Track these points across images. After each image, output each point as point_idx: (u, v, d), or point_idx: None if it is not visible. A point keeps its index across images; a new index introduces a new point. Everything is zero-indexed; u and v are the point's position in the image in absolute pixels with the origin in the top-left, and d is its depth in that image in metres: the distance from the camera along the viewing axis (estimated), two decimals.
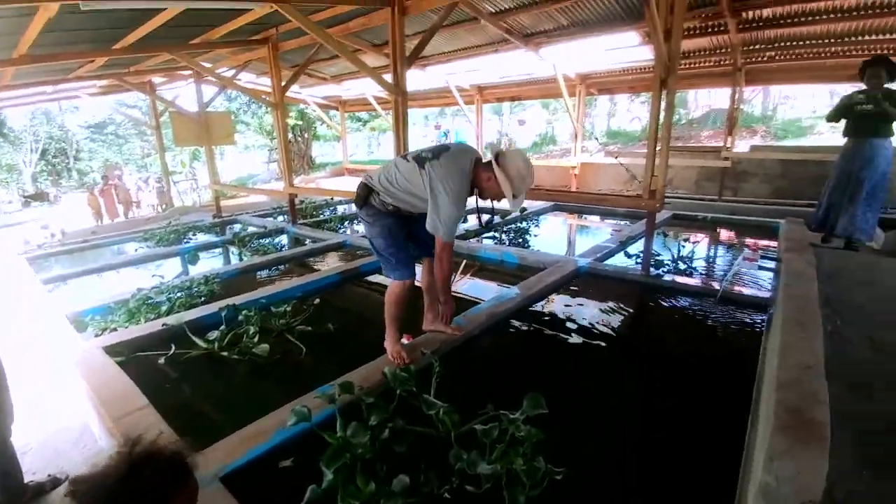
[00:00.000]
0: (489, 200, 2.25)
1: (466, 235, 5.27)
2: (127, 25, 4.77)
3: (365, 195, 2.32)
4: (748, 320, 3.01)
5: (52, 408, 2.53)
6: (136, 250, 5.85)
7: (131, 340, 2.78)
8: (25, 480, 1.89)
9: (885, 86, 3.62)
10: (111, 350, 2.62)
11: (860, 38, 5.49)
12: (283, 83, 6.04)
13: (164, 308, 3.35)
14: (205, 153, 8.23)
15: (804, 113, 15.08)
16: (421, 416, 1.91)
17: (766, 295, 3.24)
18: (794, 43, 6.04)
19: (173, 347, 2.71)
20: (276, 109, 6.20)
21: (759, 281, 3.66)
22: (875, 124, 3.64)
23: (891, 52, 5.20)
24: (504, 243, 5.24)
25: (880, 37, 5.36)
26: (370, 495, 1.49)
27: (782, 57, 6.54)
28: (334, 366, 2.35)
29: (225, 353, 2.66)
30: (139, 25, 4.70)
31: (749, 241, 5.12)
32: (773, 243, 4.65)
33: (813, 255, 3.31)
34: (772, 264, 3.82)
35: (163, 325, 2.92)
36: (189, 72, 7.38)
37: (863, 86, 3.73)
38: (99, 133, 22.04)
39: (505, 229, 5.59)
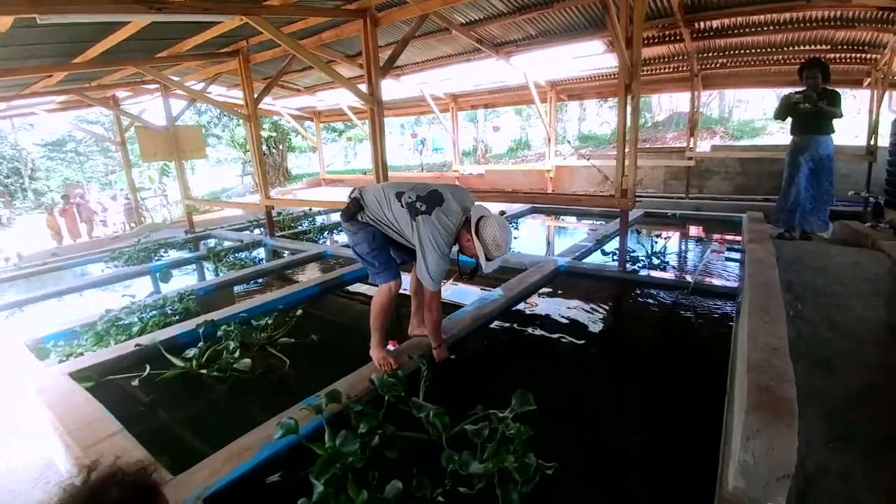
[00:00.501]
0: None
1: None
2: (89, 39, 4.64)
3: (354, 211, 2.33)
4: (719, 309, 3.14)
5: (9, 444, 2.39)
6: (102, 271, 5.62)
7: (101, 364, 2.65)
8: None
9: (822, 86, 3.89)
10: (78, 376, 2.49)
11: (796, 47, 5.99)
12: (255, 95, 5.97)
13: (135, 329, 3.23)
14: (175, 168, 8.02)
15: (756, 115, 15.97)
16: (411, 421, 1.91)
17: (734, 284, 3.39)
18: (742, 51, 6.46)
19: (148, 368, 2.61)
20: (250, 122, 6.12)
21: (726, 272, 3.82)
22: (817, 122, 3.91)
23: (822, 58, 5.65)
24: None
25: (812, 47, 5.87)
26: None
27: (733, 64, 6.96)
28: (319, 376, 2.32)
29: (204, 371, 2.58)
30: (102, 38, 4.58)
31: (715, 234, 5.34)
32: (738, 236, 4.86)
33: (773, 245, 3.49)
34: (737, 255, 4.00)
35: (136, 345, 2.81)
36: (156, 85, 7.20)
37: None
38: (57, 151, 21.17)
39: None
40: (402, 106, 10.88)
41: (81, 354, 2.89)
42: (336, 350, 2.98)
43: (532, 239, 6.14)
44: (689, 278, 3.54)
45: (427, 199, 2.21)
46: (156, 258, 5.97)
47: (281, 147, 17.91)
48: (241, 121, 6.82)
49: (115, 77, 6.60)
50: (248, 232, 7.40)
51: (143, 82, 7.19)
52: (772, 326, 1.96)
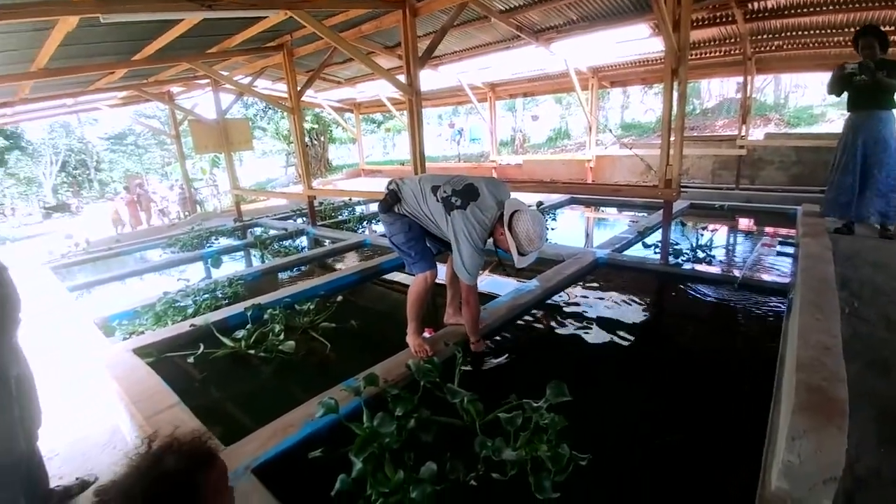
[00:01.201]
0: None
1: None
2: (146, 37, 4.91)
3: (392, 203, 2.38)
4: (768, 305, 2.99)
5: (81, 412, 2.62)
6: (159, 256, 6.02)
7: (160, 342, 2.87)
8: (52, 485, 1.95)
9: (880, 55, 3.50)
10: (141, 352, 2.70)
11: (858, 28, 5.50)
12: (298, 88, 6.15)
13: (189, 310, 3.46)
14: (224, 160, 8.41)
15: (815, 101, 14.81)
16: (445, 407, 1.95)
17: (786, 280, 3.21)
18: (800, 32, 6.02)
19: (201, 347, 2.80)
20: (293, 114, 6.32)
21: (777, 266, 3.62)
22: (875, 96, 3.51)
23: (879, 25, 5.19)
24: None
25: None
26: (399, 483, 1.54)
27: (789, 46, 6.50)
28: (358, 360, 2.40)
29: (252, 351, 2.74)
30: (158, 36, 4.84)
31: (767, 227, 5.05)
32: (791, 230, 4.58)
33: (829, 240, 3.28)
34: (790, 250, 3.78)
35: (190, 325, 3.02)
36: (207, 80, 7.55)
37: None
38: (119, 144, 22.67)
39: None
40: (439, 96, 10.88)
41: (143, 333, 3.13)
42: (374, 336, 3.08)
43: (570, 230, 6.03)
44: (736, 273, 3.38)
45: (462, 194, 2.23)
46: (207, 245, 6.31)
47: (322, 138, 18.35)
48: (284, 113, 7.05)
49: (169, 73, 6.97)
50: (291, 221, 7.68)
51: (195, 77, 7.56)
52: (825, 324, 1.86)
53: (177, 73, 6.93)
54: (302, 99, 6.41)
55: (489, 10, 5.34)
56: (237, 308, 3.27)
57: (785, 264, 3.62)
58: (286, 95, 6.49)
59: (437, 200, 2.26)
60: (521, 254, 2.15)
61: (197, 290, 3.80)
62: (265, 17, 4.69)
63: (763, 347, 2.41)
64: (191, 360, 2.71)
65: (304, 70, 7.37)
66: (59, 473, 2.08)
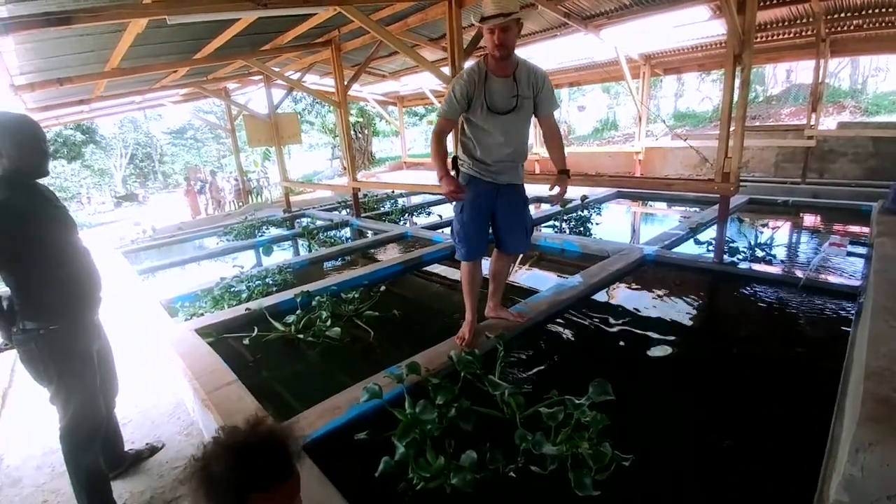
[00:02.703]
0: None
1: None
2: (206, 36, 5.19)
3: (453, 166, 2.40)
4: (835, 309, 2.78)
5: (150, 384, 2.86)
6: (216, 244, 6.40)
7: (218, 323, 3.07)
8: (125, 449, 2.16)
9: None
10: (202, 332, 2.91)
11: None
12: (345, 82, 6.30)
13: (244, 295, 3.67)
14: (275, 153, 8.77)
15: None
16: (485, 399, 1.97)
17: (856, 283, 2.97)
18: (882, 10, 5.44)
19: (255, 330, 2.97)
20: (339, 108, 6.49)
21: (847, 268, 3.36)
22: None
23: None
24: (564, 232, 5.16)
25: None
26: (440, 469, 1.58)
27: (871, 25, 5.88)
28: (401, 349, 2.47)
29: (300, 336, 2.88)
30: (217, 35, 5.10)
31: (836, 225, 4.68)
32: (865, 228, 4.21)
33: None
34: (863, 250, 3.48)
35: (246, 309, 3.20)
36: (260, 77, 7.88)
37: None
38: (179, 138, 24.15)
39: (565, 218, 5.49)
40: None
41: (202, 315, 3.35)
42: (416, 325, 3.14)
43: (616, 225, 5.84)
44: (800, 274, 3.16)
45: None
46: (259, 234, 6.64)
47: (366, 132, 18.71)
48: (331, 107, 7.26)
49: (226, 70, 7.33)
50: (336, 212, 7.92)
51: (249, 74, 7.91)
52: None
53: (233, 70, 7.28)
54: (348, 93, 6.56)
55: None
56: (287, 294, 3.43)
57: (856, 266, 3.35)
58: (333, 90, 6.66)
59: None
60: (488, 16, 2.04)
61: (250, 276, 4.01)
62: (315, 14, 4.84)
63: (827, 354, 2.26)
64: (246, 341, 2.89)
65: (351, 65, 7.53)
66: (131, 438, 2.30)
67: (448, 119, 2.27)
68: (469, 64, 2.18)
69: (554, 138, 2.42)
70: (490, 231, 2.48)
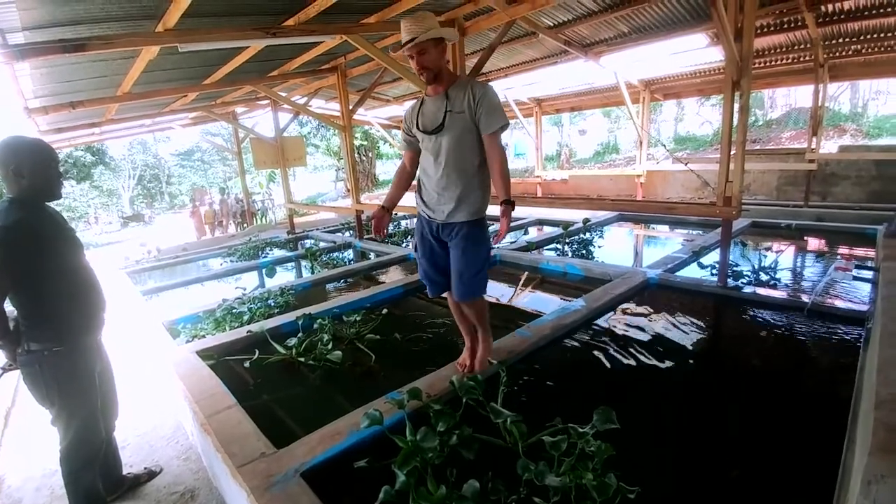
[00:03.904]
0: None
1: (528, 247, 5.25)
2: (216, 63, 5.34)
3: None
4: (842, 335, 2.74)
5: (149, 406, 2.83)
6: (220, 265, 6.42)
7: (219, 345, 3.05)
8: (124, 472, 2.13)
9: None
10: (203, 354, 2.88)
11: None
12: (350, 107, 6.44)
13: (245, 317, 3.66)
14: (280, 175, 8.89)
15: None
16: (487, 426, 1.94)
17: (863, 308, 2.94)
18: (881, 35, 5.56)
19: (257, 352, 2.95)
20: (344, 132, 6.61)
21: (854, 292, 3.32)
22: None
23: None
24: (567, 255, 5.16)
25: None
26: (441, 498, 1.53)
27: (870, 50, 6.01)
28: (402, 373, 2.45)
29: (302, 359, 2.85)
30: (227, 62, 5.25)
31: (842, 249, 4.66)
32: (870, 252, 4.20)
33: None
34: (869, 274, 3.46)
35: (247, 331, 3.19)
36: (267, 101, 8.07)
37: None
38: (187, 159, 24.59)
39: (567, 241, 5.50)
40: None
41: (204, 336, 3.34)
42: (417, 349, 3.11)
43: (618, 249, 5.85)
44: (805, 298, 3.14)
45: None
46: (262, 255, 6.66)
47: (370, 154, 19.00)
48: (335, 131, 7.40)
49: (234, 95, 7.51)
50: (339, 234, 7.96)
51: (256, 98, 8.10)
52: None
53: (241, 94, 7.46)
54: (353, 117, 6.69)
55: (537, 26, 5.36)
56: (289, 317, 3.42)
57: (862, 290, 3.33)
58: (339, 114, 6.81)
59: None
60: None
61: (252, 298, 4.01)
62: (322, 42, 4.97)
63: (835, 381, 2.22)
64: (247, 364, 2.86)
65: (356, 90, 7.70)
66: (129, 462, 2.27)
67: (404, 150, 2.32)
68: None
69: (494, 162, 2.04)
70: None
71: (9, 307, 1.57)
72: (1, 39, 3.05)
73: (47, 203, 1.70)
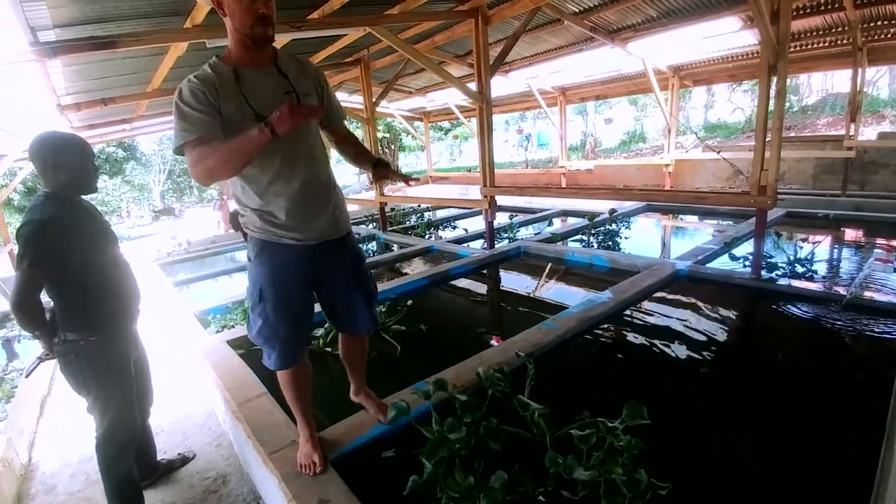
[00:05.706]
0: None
1: (553, 238, 5.18)
2: None
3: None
4: (882, 329, 2.62)
5: (182, 394, 2.93)
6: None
7: None
8: (158, 458, 2.21)
9: None
10: (233, 343, 2.96)
11: None
12: (373, 99, 6.45)
13: None
14: None
15: None
16: (512, 417, 1.93)
17: None
18: None
19: None
20: (368, 124, 6.62)
21: (895, 285, 3.16)
22: None
23: None
24: (592, 246, 5.08)
25: None
26: (469, 488, 1.54)
27: None
28: (427, 364, 2.45)
29: (328, 349, 2.90)
30: None
31: (881, 240, 4.45)
32: None
33: None
34: None
35: None
36: None
37: None
38: None
39: (593, 232, 5.41)
40: (508, 102, 10.84)
41: (233, 326, 3.43)
42: (442, 340, 3.12)
43: (645, 240, 5.72)
44: (843, 291, 3.01)
45: None
46: None
47: (393, 147, 19.03)
48: (359, 123, 7.43)
49: None
50: (363, 226, 8.03)
51: None
52: None
53: None
54: (376, 109, 6.70)
55: (562, 12, 5.23)
56: (317, 307, 3.46)
57: None
58: (362, 106, 6.82)
59: None
60: None
61: None
62: (345, 35, 4.98)
63: (874, 376, 2.12)
64: None
65: (379, 82, 7.70)
66: (163, 448, 2.35)
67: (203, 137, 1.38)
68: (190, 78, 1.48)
69: (353, 144, 1.78)
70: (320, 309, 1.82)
71: (45, 298, 1.63)
72: (32, 37, 3.15)
73: (83, 197, 1.76)
